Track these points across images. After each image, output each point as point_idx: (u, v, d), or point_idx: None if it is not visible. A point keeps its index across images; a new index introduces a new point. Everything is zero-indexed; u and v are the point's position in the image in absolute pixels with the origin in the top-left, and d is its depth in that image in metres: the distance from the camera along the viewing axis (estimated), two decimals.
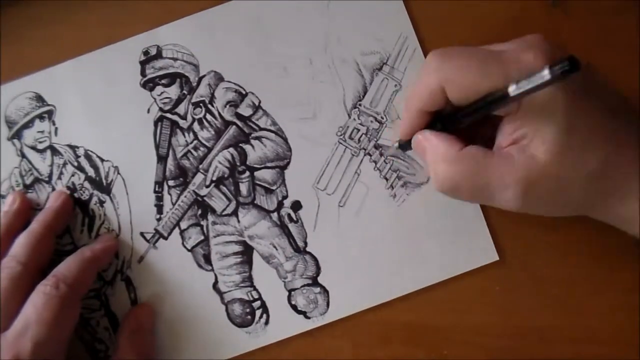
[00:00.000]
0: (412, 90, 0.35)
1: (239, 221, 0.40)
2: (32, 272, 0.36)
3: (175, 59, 0.41)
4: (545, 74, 0.25)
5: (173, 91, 0.41)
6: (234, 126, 0.40)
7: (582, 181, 0.30)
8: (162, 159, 0.40)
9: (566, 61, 0.24)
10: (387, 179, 0.40)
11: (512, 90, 0.28)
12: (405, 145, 0.37)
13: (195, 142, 0.40)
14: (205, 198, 0.40)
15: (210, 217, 0.40)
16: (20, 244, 0.36)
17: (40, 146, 0.41)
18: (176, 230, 0.40)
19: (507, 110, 0.31)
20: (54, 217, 0.38)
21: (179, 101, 0.41)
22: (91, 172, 0.41)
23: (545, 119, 0.30)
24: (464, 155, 0.32)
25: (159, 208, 0.40)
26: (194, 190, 0.40)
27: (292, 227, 0.40)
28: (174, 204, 0.40)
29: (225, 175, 0.40)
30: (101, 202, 0.40)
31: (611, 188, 0.31)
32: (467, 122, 0.33)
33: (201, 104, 0.40)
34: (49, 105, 0.41)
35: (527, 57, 0.30)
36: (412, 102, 0.35)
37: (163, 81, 0.41)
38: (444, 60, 0.32)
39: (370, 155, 0.40)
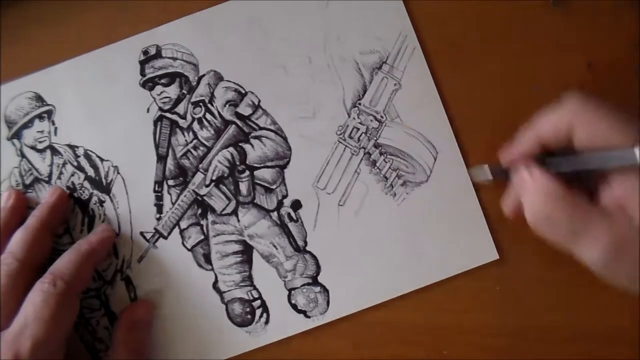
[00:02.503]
0: (538, 121, 0.34)
1: (238, 220, 0.40)
2: (29, 268, 0.36)
3: (174, 59, 0.41)
4: None
5: (172, 91, 0.41)
6: (233, 125, 0.40)
7: None
8: (161, 159, 0.40)
9: None
10: (386, 178, 0.40)
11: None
12: (499, 172, 0.36)
13: (195, 141, 0.40)
14: (205, 197, 0.40)
15: (210, 217, 0.40)
16: (17, 240, 0.36)
17: (39, 146, 0.41)
18: (176, 230, 0.40)
19: (615, 168, 0.30)
20: (50, 212, 0.38)
21: (178, 101, 0.41)
22: (91, 171, 0.41)
23: None
24: (570, 195, 0.31)
25: (159, 207, 0.40)
26: (193, 190, 0.40)
27: (292, 226, 0.40)
28: (173, 204, 0.40)
29: (225, 175, 0.40)
30: (101, 202, 0.40)
31: None
32: (579, 169, 0.32)
33: (201, 104, 0.40)
34: (48, 105, 0.41)
35: None
36: (533, 131, 0.34)
37: (162, 81, 0.41)
38: (586, 104, 0.32)
39: (370, 154, 0.40)
